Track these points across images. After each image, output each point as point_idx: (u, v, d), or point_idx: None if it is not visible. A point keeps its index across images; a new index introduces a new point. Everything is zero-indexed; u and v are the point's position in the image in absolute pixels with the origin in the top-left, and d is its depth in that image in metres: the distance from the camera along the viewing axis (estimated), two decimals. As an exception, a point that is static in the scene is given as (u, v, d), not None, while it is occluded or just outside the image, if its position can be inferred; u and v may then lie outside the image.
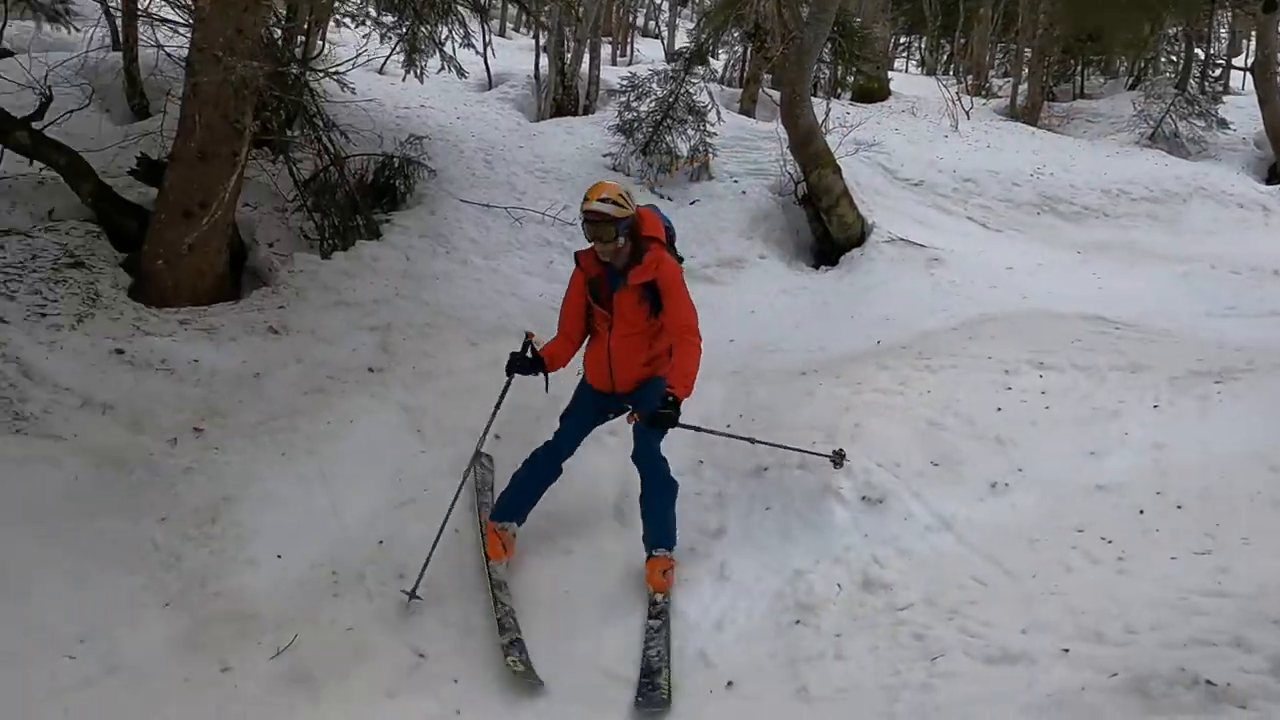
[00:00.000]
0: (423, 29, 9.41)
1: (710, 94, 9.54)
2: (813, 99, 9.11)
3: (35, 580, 3.59)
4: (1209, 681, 2.12)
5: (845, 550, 3.74)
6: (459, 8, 9.65)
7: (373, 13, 9.42)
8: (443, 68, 9.81)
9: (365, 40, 9.08)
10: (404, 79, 10.23)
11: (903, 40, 20.99)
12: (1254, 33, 13.05)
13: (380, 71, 10.93)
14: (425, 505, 4.22)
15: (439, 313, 6.35)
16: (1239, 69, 14.23)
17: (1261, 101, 11.02)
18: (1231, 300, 6.81)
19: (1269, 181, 10.60)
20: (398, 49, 9.90)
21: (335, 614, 3.72)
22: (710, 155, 9.05)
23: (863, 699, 2.90)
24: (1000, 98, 14.60)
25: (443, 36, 9.63)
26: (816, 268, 8.08)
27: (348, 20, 9.77)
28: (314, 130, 7.43)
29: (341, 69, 6.79)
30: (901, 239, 7.90)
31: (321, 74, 7.13)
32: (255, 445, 4.72)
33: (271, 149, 7.52)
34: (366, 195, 7.55)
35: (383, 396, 5.27)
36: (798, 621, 3.46)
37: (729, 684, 3.25)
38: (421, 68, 9.90)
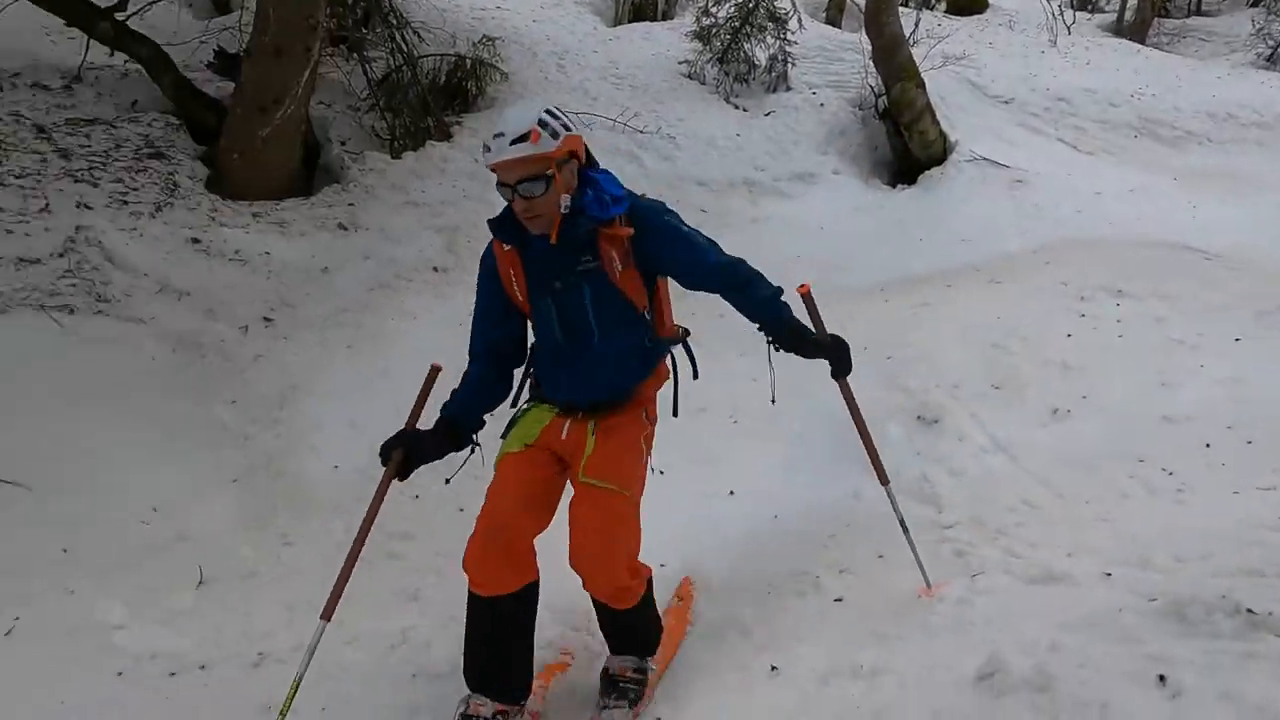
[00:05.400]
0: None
1: (793, 0, 9.16)
2: (901, 8, 8.67)
3: (114, 451, 3.80)
4: (1250, 610, 2.04)
5: (895, 467, 3.69)
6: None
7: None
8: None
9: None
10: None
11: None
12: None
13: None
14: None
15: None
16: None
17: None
18: (1340, 237, 6.39)
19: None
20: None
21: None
22: (789, 65, 8.75)
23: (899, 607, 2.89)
24: (1108, 12, 13.70)
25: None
26: (893, 186, 7.78)
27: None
28: (388, 28, 7.39)
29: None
30: (985, 158, 7.55)
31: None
32: (322, 337, 4.88)
33: (346, 46, 7.54)
34: (438, 96, 7.52)
35: (447, 296, 5.36)
36: (832, 535, 3.46)
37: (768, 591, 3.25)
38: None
